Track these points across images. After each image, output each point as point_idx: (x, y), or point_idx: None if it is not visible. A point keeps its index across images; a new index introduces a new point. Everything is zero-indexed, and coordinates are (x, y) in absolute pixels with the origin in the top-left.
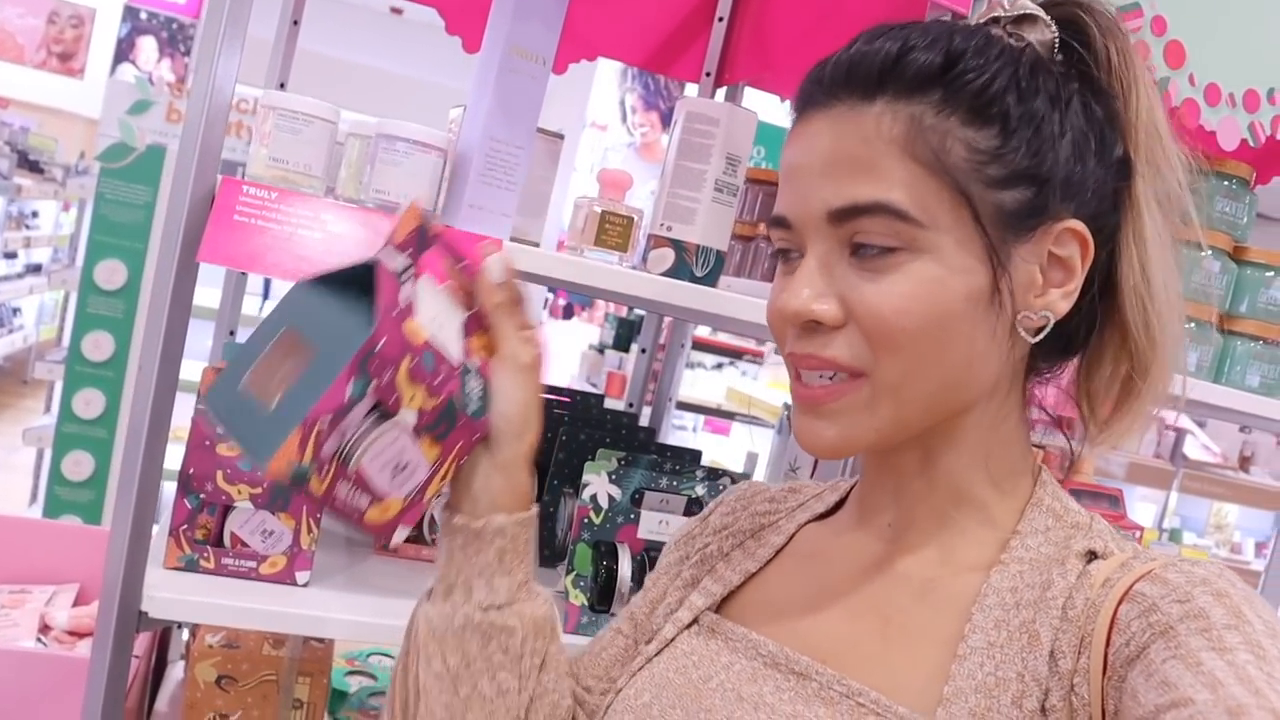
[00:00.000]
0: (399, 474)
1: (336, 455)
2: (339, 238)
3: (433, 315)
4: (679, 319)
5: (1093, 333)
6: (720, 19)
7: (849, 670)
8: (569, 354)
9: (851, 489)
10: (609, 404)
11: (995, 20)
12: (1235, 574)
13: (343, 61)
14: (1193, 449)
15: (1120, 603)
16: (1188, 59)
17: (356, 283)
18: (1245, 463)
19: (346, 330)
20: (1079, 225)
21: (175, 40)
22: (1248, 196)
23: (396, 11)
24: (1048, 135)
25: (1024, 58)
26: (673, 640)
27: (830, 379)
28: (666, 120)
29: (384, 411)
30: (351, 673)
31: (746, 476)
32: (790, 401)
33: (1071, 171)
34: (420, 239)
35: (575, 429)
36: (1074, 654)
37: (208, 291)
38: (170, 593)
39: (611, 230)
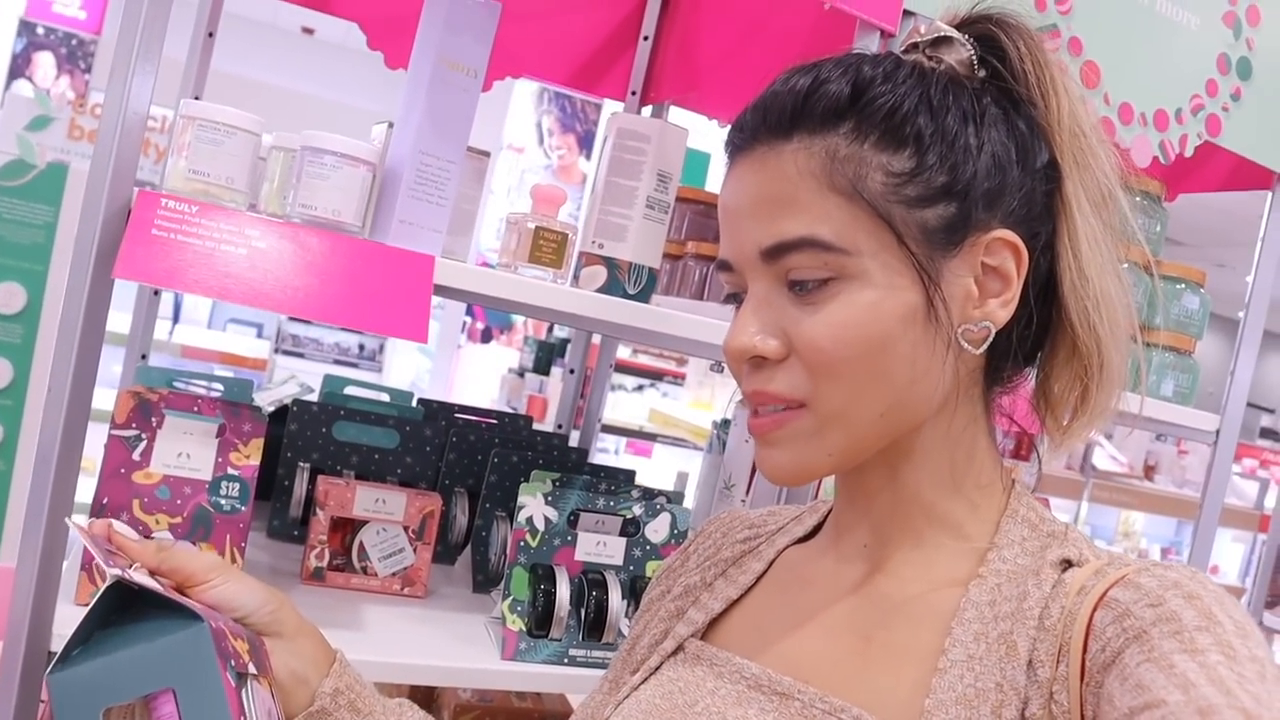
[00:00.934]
0: (270, 717)
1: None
2: (263, 253)
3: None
4: (608, 338)
5: (1045, 339)
6: (645, 38)
7: (832, 689)
8: (488, 378)
9: (830, 511)
10: (537, 426)
11: (915, 46)
12: (1207, 576)
13: (253, 81)
14: (1101, 459)
15: (1095, 609)
16: (1102, 79)
17: (102, 620)
18: (1150, 471)
19: (178, 645)
20: (1008, 234)
21: (75, 57)
22: (1159, 211)
23: (308, 31)
24: (963, 150)
25: (935, 77)
26: (658, 669)
27: (776, 409)
28: (583, 143)
29: (241, 675)
30: None
31: (681, 495)
32: (719, 420)
33: (993, 183)
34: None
35: (506, 451)
36: (1052, 662)
37: (118, 316)
38: None
39: (545, 247)
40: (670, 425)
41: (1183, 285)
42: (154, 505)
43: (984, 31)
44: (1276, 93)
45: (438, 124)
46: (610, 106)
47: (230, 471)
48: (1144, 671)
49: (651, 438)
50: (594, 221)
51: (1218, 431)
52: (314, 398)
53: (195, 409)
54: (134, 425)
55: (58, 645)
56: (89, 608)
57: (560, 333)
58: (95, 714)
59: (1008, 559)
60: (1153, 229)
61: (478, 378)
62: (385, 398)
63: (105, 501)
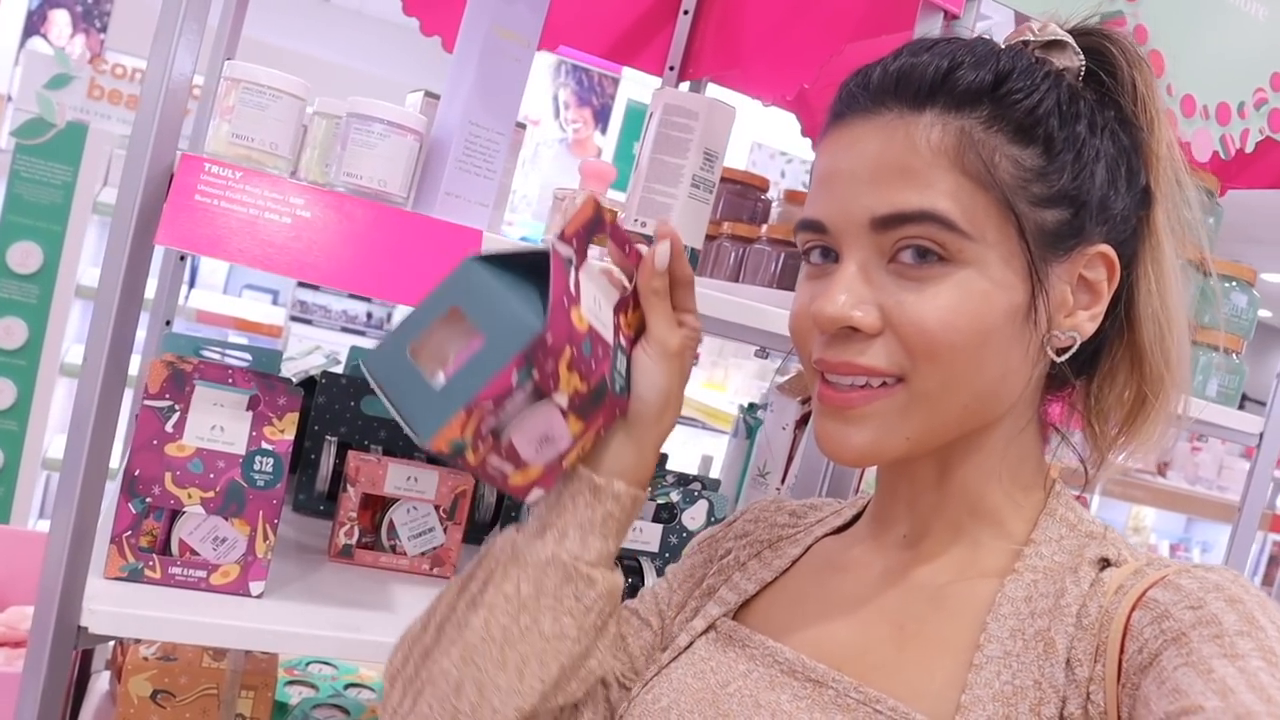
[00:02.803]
0: (544, 445)
1: (492, 431)
2: (308, 223)
3: (593, 298)
4: None
5: (1101, 353)
6: (685, 12)
7: (865, 678)
8: None
9: (868, 504)
10: None
11: (1024, 44)
12: (1249, 580)
13: (270, 46)
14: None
15: (1133, 609)
16: (1166, 70)
17: (523, 266)
18: (1162, 467)
19: (515, 320)
20: (1109, 250)
21: (90, 15)
22: (1213, 208)
23: None
24: (1087, 159)
25: (1064, 82)
26: (689, 647)
27: (864, 384)
28: (599, 116)
29: (539, 391)
30: (291, 682)
31: (716, 482)
32: (745, 404)
33: (1105, 196)
34: (589, 230)
35: None
36: (1090, 662)
37: None
38: (112, 605)
39: None
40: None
41: (1232, 283)
42: (186, 479)
43: (1095, 45)
44: None
45: (488, 94)
46: (629, 80)
47: (264, 446)
48: (1181, 675)
49: None
50: (637, 199)
51: (1261, 434)
52: (338, 369)
53: (230, 380)
54: (167, 395)
55: (88, 619)
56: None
57: None
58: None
59: (1045, 555)
60: (1208, 224)
61: None
62: None
63: (137, 474)
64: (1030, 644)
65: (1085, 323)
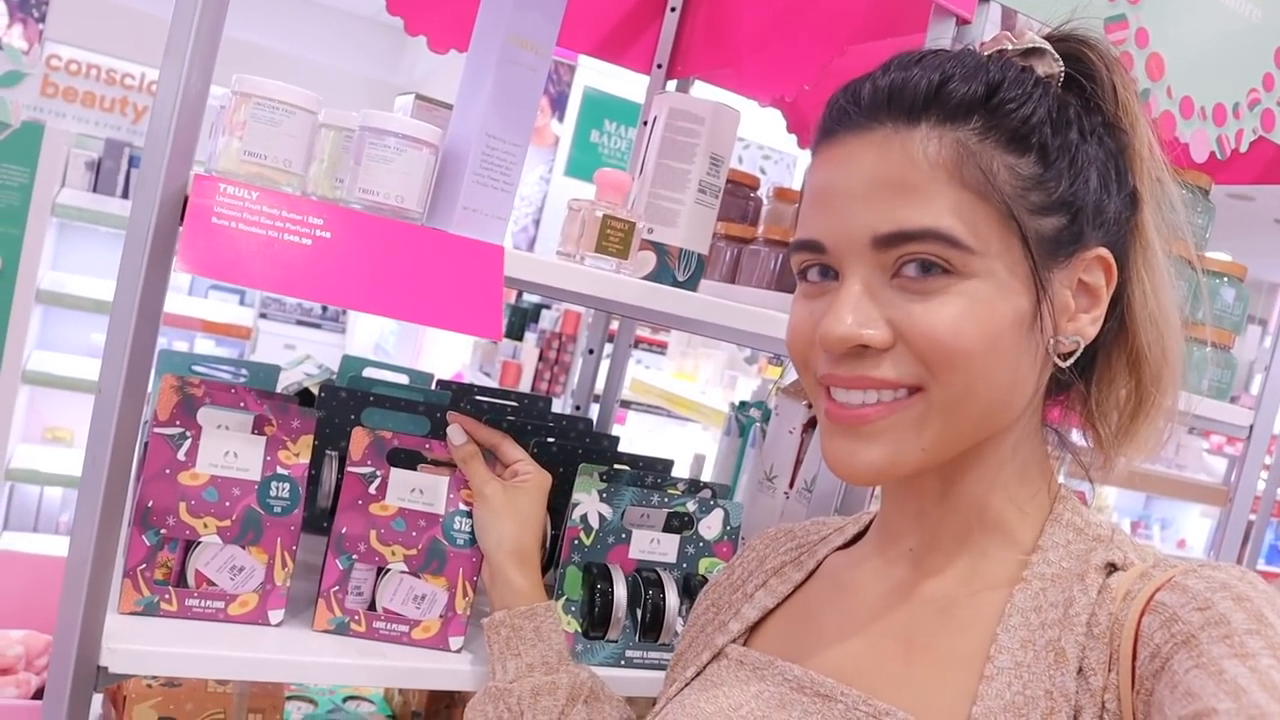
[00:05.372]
0: (423, 602)
1: (363, 605)
2: (329, 244)
3: (411, 489)
4: (629, 318)
5: (1098, 355)
6: (673, 9)
7: (875, 692)
8: (458, 342)
9: (873, 520)
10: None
11: (1001, 52)
12: (1257, 575)
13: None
14: (1077, 436)
15: (1143, 614)
16: (1166, 72)
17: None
18: None
19: None
20: (1107, 254)
21: (27, 4)
22: (1206, 205)
23: None
24: (1081, 165)
25: (1052, 90)
26: (699, 675)
27: (876, 400)
28: (556, 104)
29: (380, 567)
30: (290, 698)
31: (727, 489)
32: (739, 402)
33: (1099, 201)
34: (378, 448)
35: (545, 441)
36: (1104, 671)
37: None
38: (129, 643)
39: (613, 236)
40: (646, 393)
41: (1222, 279)
42: (201, 508)
43: (1073, 51)
44: None
45: (504, 105)
46: (585, 68)
47: (280, 470)
48: (1193, 678)
49: (625, 405)
50: (644, 205)
51: (1251, 427)
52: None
53: (241, 404)
54: (178, 422)
55: (107, 658)
56: None
57: (530, 297)
58: None
59: (1052, 562)
60: (1199, 222)
61: (447, 341)
62: (404, 379)
63: (150, 504)
64: (1041, 654)
65: (1087, 326)
